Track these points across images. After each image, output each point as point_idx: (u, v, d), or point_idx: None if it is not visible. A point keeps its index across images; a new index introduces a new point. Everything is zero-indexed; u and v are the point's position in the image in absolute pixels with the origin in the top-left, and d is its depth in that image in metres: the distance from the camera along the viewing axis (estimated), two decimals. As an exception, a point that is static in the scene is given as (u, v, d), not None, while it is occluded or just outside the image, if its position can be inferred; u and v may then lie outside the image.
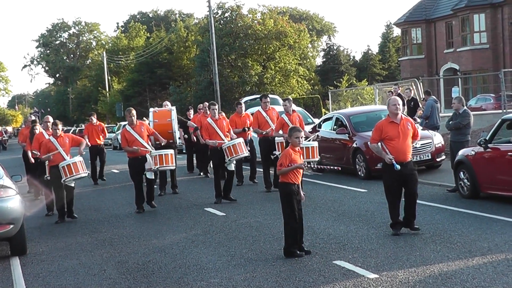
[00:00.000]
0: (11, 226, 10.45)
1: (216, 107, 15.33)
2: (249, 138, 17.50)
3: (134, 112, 14.48)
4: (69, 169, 13.63)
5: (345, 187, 15.97)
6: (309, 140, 14.80)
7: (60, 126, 14.23)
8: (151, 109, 17.41)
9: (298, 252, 9.24)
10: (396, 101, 10.30)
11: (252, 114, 17.56)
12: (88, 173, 14.75)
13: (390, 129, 10.21)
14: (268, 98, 16.64)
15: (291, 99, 15.98)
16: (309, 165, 9.38)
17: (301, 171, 9.39)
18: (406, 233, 10.21)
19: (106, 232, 12.51)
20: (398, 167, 9.96)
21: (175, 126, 16.99)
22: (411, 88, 24.32)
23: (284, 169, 9.14)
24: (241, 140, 15.00)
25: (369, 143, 10.85)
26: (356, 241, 9.92)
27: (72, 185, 13.92)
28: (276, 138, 15.55)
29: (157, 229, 12.30)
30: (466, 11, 45.88)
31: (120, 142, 40.86)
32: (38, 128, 16.78)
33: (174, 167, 15.65)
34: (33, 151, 15.36)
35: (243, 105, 18.19)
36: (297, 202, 9.25)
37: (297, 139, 9.31)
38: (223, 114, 16.54)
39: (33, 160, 16.74)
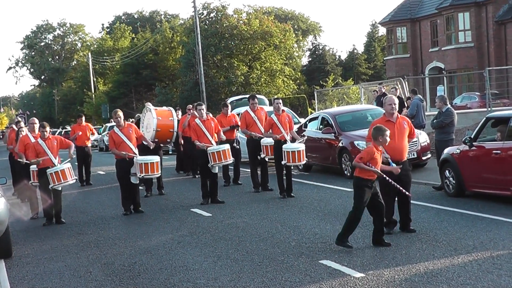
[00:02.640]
0: (-4, 229, 10.37)
1: (203, 107, 15.22)
2: (237, 136, 17.54)
3: (120, 113, 14.37)
4: (57, 176, 13.51)
5: (331, 187, 15.99)
6: (299, 142, 14.82)
7: (48, 128, 14.03)
8: (149, 104, 17.52)
9: (349, 243, 9.39)
10: (392, 101, 10.35)
11: (239, 114, 17.55)
12: (76, 179, 14.63)
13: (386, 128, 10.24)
14: (256, 99, 16.48)
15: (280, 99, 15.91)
16: (383, 176, 9.44)
17: (379, 162, 9.41)
18: (392, 232, 10.24)
19: (92, 234, 12.46)
20: (394, 166, 9.99)
21: (176, 125, 17.12)
22: (397, 87, 24.40)
23: (362, 165, 9.28)
24: (227, 146, 14.91)
25: (365, 141, 10.88)
26: (342, 241, 9.93)
27: (60, 188, 13.83)
28: (262, 140, 15.45)
29: (143, 231, 12.26)
30: (450, 10, 46.08)
31: (106, 143, 41.10)
32: (25, 130, 16.63)
33: (159, 175, 15.47)
34: (19, 156, 15.19)
35: (229, 106, 18.15)
36: (371, 195, 9.35)
37: (384, 137, 9.38)
38: (210, 115, 16.48)
39: (24, 161, 16.17)
